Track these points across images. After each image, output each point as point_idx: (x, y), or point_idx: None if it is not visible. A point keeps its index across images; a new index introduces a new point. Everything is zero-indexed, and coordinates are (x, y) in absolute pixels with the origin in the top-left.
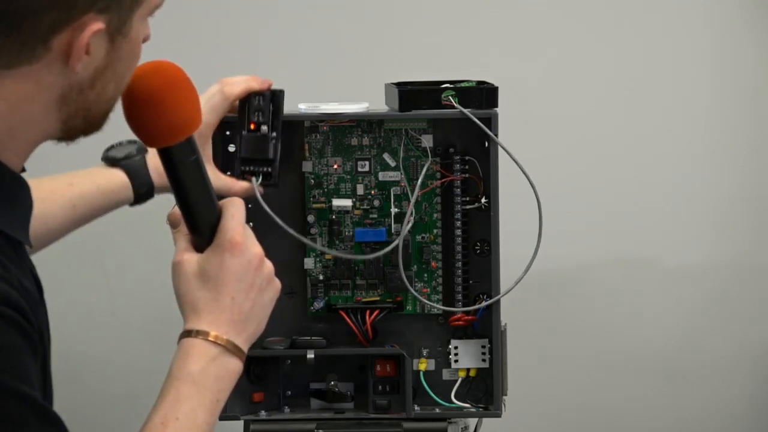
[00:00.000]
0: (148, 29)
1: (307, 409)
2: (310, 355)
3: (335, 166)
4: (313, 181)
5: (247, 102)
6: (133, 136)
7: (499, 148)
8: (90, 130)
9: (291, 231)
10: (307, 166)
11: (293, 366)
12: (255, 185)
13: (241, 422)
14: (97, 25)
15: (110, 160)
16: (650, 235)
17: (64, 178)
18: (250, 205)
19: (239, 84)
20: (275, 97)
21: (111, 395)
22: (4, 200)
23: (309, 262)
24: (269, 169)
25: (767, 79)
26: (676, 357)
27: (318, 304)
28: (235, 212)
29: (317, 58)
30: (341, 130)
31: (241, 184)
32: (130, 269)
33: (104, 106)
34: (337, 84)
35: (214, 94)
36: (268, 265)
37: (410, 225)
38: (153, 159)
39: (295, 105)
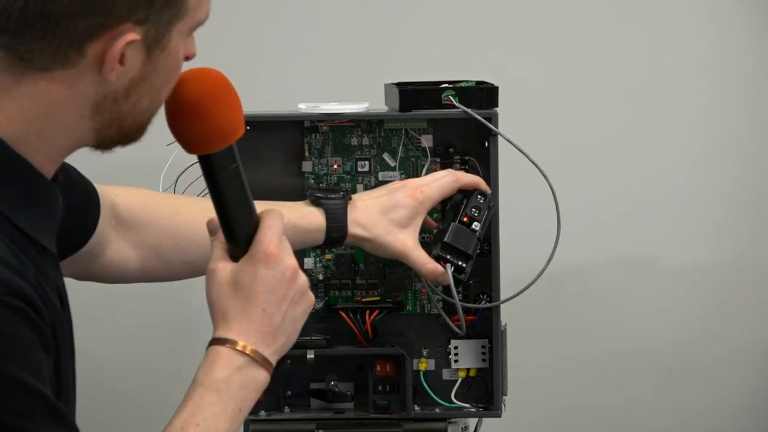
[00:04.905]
0: (192, 47)
1: (307, 409)
2: (310, 355)
3: (335, 166)
4: (313, 181)
5: (469, 197)
6: None
7: (502, 146)
8: (126, 141)
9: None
10: (307, 166)
11: (293, 366)
12: (449, 272)
13: None
14: (133, 35)
15: (313, 198)
16: (650, 235)
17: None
18: None
19: (471, 176)
20: (493, 209)
21: (109, 396)
22: (33, 204)
23: (309, 262)
24: (463, 264)
25: (767, 79)
26: (676, 357)
27: (318, 304)
28: (272, 223)
29: (317, 58)
30: (341, 130)
31: (434, 265)
32: None
33: (139, 118)
34: (337, 84)
35: (446, 175)
36: (302, 278)
37: None
38: (355, 210)
39: (295, 105)
